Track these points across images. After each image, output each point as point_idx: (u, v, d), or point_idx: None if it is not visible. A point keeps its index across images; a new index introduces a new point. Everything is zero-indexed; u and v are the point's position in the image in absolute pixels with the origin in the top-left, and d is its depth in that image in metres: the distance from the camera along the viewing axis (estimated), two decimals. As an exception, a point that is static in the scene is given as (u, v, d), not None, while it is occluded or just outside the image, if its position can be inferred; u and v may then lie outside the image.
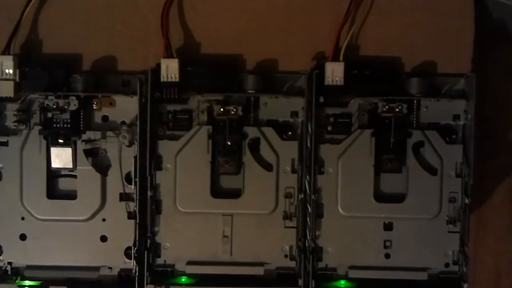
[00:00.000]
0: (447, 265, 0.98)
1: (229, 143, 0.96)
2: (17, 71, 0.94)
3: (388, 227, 0.98)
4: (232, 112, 0.95)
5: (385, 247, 0.98)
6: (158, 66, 0.94)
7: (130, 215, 0.97)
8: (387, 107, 0.95)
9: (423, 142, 0.96)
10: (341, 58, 0.94)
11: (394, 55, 0.98)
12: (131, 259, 0.96)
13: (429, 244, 0.97)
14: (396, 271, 0.97)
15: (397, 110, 0.95)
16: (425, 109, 0.97)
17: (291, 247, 0.98)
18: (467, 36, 0.97)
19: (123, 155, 0.97)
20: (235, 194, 0.98)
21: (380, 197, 0.97)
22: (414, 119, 0.97)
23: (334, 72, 0.93)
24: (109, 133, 0.97)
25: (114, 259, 0.98)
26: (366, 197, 0.96)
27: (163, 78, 0.94)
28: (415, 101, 0.97)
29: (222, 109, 0.95)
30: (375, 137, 0.96)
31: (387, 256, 0.98)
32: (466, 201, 0.95)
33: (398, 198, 0.97)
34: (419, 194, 0.96)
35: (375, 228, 0.97)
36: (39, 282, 0.97)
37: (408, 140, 0.96)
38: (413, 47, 0.98)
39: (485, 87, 1.00)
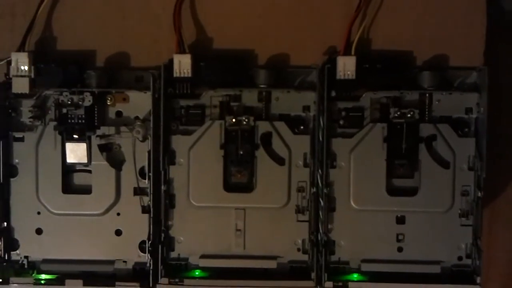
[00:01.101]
0: (460, 258, 0.97)
1: (241, 153, 0.97)
2: (32, 67, 0.95)
3: (400, 220, 0.98)
4: (244, 123, 0.96)
5: (398, 240, 0.98)
6: (171, 61, 0.95)
7: (144, 209, 0.98)
8: (398, 113, 0.95)
9: (435, 135, 0.96)
10: (352, 52, 0.94)
11: (406, 49, 0.98)
12: (145, 253, 0.97)
13: (441, 237, 0.97)
14: (409, 265, 0.97)
15: (409, 115, 0.95)
16: (437, 102, 0.97)
17: (303, 241, 0.98)
18: (479, 29, 0.97)
19: (137, 150, 0.97)
20: (247, 188, 0.98)
21: (393, 190, 0.97)
22: (427, 112, 0.97)
23: (346, 66, 0.94)
24: (123, 128, 0.98)
25: (128, 252, 0.99)
26: (378, 190, 0.97)
27: (176, 74, 0.94)
28: (427, 95, 0.96)
29: (234, 120, 0.96)
30: (387, 143, 0.96)
31: (400, 249, 0.98)
32: (479, 194, 0.95)
33: (411, 191, 0.97)
34: (431, 187, 0.96)
35: (388, 222, 0.97)
36: (55, 275, 0.98)
37: (420, 132, 0.96)
38: (425, 41, 0.98)
39: (497, 81, 1.00)
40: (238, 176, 0.97)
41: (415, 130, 0.96)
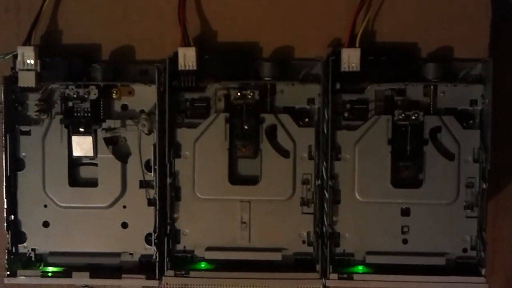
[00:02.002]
0: (464, 250, 0.98)
1: (246, 127, 0.97)
2: (38, 61, 0.96)
3: (405, 212, 0.98)
4: (249, 97, 0.96)
5: (403, 232, 0.98)
6: (176, 54, 0.95)
7: (150, 202, 0.99)
8: (403, 115, 0.95)
9: (440, 127, 0.96)
10: (357, 44, 0.94)
11: (410, 41, 0.98)
12: (151, 245, 0.98)
13: (446, 229, 0.97)
14: (414, 257, 0.97)
15: (413, 118, 0.95)
16: (442, 94, 0.97)
17: (308, 233, 0.99)
18: (484, 21, 0.97)
19: (142, 143, 0.98)
20: (252, 180, 0.99)
21: (397, 182, 0.97)
22: (431, 104, 0.97)
23: (350, 59, 0.94)
24: (129, 122, 0.99)
25: (134, 245, 1.00)
26: (383, 182, 0.97)
27: (181, 67, 0.95)
28: (432, 87, 0.96)
29: (239, 94, 0.96)
30: (391, 145, 0.96)
31: (405, 241, 0.98)
32: (484, 186, 0.95)
33: (415, 183, 0.97)
34: (436, 179, 0.96)
35: (392, 214, 0.98)
36: (62, 268, 0.99)
37: (425, 124, 0.96)
38: (430, 33, 0.98)
39: (503, 73, 1.00)
40: (243, 150, 0.97)
41: (420, 132, 0.95)
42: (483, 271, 0.95)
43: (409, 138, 0.96)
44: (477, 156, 0.96)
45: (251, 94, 0.96)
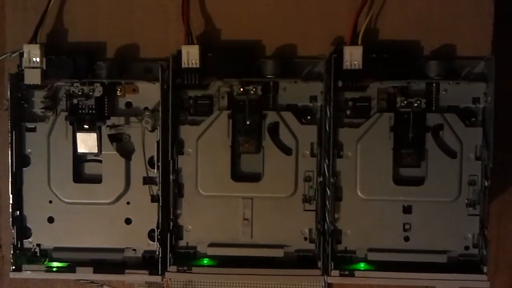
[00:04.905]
0: (466, 248, 0.97)
1: (248, 123, 0.97)
2: (44, 59, 0.97)
3: (407, 210, 0.98)
4: (252, 92, 0.97)
5: (404, 230, 0.98)
6: (179, 52, 0.96)
7: (154, 198, 1.00)
8: (405, 102, 0.95)
9: (442, 125, 0.96)
10: (359, 42, 0.94)
11: (413, 39, 0.98)
12: (154, 241, 0.98)
13: (448, 227, 0.97)
14: (415, 254, 0.97)
15: (415, 105, 0.95)
16: (444, 92, 0.97)
17: (310, 230, 0.99)
18: (487, 19, 0.97)
19: (146, 140, 0.99)
20: (255, 178, 0.99)
21: (399, 180, 0.97)
22: (434, 102, 0.97)
23: (353, 56, 0.94)
24: (133, 119, 0.99)
25: (138, 241, 1.00)
26: (385, 180, 0.97)
27: (184, 65, 0.96)
28: (434, 84, 0.96)
29: (241, 89, 0.97)
30: (394, 132, 0.96)
31: (406, 239, 0.98)
32: (486, 184, 0.94)
33: (417, 181, 0.97)
34: (438, 177, 0.96)
35: (394, 211, 0.98)
36: (66, 263, 1.00)
37: (428, 126, 0.96)
38: (432, 30, 0.98)
39: (505, 71, 0.99)
40: (245, 146, 0.97)
41: (422, 119, 0.95)
42: (485, 268, 0.95)
43: (411, 125, 0.95)
44: (479, 154, 0.96)
45: (254, 89, 0.96)
